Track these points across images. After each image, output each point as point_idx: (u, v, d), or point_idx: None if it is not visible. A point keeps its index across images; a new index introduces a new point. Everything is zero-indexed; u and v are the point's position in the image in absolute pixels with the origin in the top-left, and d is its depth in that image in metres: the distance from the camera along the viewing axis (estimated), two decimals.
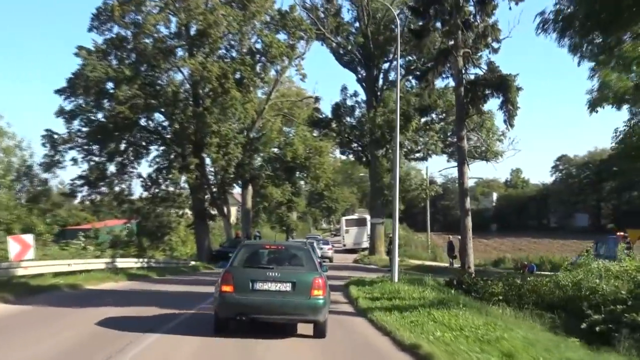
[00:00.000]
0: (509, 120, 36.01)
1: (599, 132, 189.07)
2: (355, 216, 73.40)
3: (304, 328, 14.35)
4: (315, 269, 14.07)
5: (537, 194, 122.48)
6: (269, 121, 64.19)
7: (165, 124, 47.27)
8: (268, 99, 59.22)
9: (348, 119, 54.95)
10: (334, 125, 55.43)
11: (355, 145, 55.38)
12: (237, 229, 63.20)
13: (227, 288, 13.23)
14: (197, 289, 26.10)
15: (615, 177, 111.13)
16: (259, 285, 13.19)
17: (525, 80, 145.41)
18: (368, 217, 70.05)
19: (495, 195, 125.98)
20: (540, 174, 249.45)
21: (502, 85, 35.51)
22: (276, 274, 13.41)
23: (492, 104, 54.80)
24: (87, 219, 64.93)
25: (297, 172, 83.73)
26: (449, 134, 54.45)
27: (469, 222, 36.82)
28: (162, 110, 45.68)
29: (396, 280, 26.44)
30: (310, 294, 13.29)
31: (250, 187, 60.41)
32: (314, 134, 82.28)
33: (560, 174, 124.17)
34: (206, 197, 49.10)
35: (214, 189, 49.16)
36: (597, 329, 17.43)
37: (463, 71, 36.44)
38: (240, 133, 47.38)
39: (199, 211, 48.03)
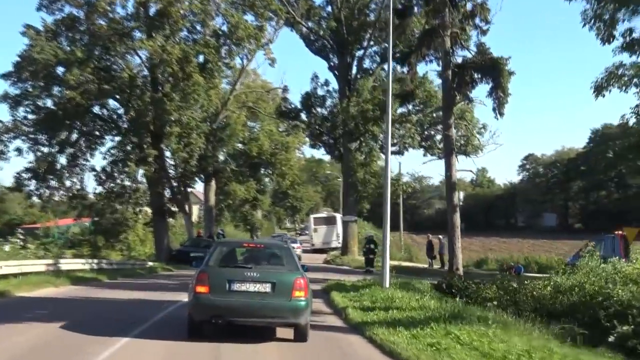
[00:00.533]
0: (499, 108, 32.48)
1: (567, 130, 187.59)
2: (324, 214, 69.27)
3: (284, 332, 13.31)
4: (297, 269, 13.26)
5: (505, 193, 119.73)
6: (234, 113, 59.89)
7: (121, 111, 42.62)
8: (233, 89, 55.06)
9: (319, 109, 50.67)
10: (303, 116, 51.12)
11: (327, 137, 51.05)
12: (199, 227, 58.86)
13: (202, 289, 12.33)
14: (151, 295, 22.02)
15: (583, 176, 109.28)
16: (236, 286, 12.37)
17: None
18: (338, 215, 66.08)
19: (462, 194, 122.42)
20: (505, 174, 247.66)
21: (493, 68, 31.95)
22: (255, 274, 12.59)
23: (480, 91, 51.21)
24: (43, 217, 60.59)
25: (262, 169, 79.67)
26: (426, 127, 50.72)
27: (457, 218, 33.16)
28: (117, 96, 41.13)
29: (387, 285, 22.46)
30: (292, 295, 12.49)
31: (213, 183, 56.13)
32: (281, 129, 78.50)
33: (527, 173, 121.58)
34: (166, 192, 44.66)
35: (174, 184, 44.63)
36: (630, 343, 14.52)
37: (450, 53, 32.80)
38: (204, 122, 42.87)
39: (158, 208, 43.57)
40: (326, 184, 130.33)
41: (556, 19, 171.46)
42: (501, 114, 32.71)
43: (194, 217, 74.49)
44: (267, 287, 12.43)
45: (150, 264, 40.92)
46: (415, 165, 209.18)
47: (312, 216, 65.50)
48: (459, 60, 33.44)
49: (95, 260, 34.75)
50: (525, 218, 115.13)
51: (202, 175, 46.45)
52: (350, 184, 49.02)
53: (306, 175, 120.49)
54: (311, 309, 13.33)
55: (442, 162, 34.34)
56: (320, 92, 51.09)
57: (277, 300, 12.39)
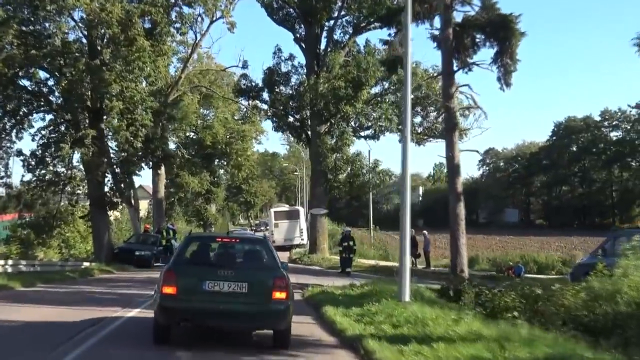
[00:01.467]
0: (505, 77, 26.69)
1: (528, 124, 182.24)
2: (286, 207, 62.21)
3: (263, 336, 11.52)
4: (277, 267, 11.48)
5: (466, 188, 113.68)
6: (185, 94, 52.84)
7: (53, 83, 35.16)
8: (185, 67, 48.01)
9: (283, 88, 43.61)
10: (265, 95, 44.09)
11: (292, 119, 44.12)
12: (148, 222, 51.68)
13: (168, 289, 10.67)
14: (67, 314, 15.07)
15: (545, 170, 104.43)
16: (208, 286, 10.70)
17: None
18: (301, 208, 59.38)
19: (421, 190, 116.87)
20: (465, 168, 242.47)
21: (500, 28, 25.75)
22: (229, 272, 10.90)
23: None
24: None
25: (217, 160, 72.91)
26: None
27: (461, 209, 26.86)
28: (47, 65, 33.68)
29: (407, 298, 15.96)
30: (271, 296, 10.80)
31: (163, 171, 49.03)
32: (237, 117, 71.81)
33: (487, 168, 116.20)
34: (107, 180, 37.43)
35: (117, 169, 37.24)
36: None
37: (451, 7, 26.58)
38: (151, 97, 35.62)
39: (97, 198, 36.30)
40: (281, 178, 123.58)
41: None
42: (508, 85, 26.77)
43: (143, 212, 67.14)
44: (243, 287, 10.82)
45: (87, 264, 33.83)
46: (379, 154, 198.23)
47: (272, 210, 58.49)
48: (459, 19, 27.20)
49: (10, 262, 27.33)
50: (487, 214, 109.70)
51: (149, 161, 38.98)
52: (319, 171, 42.33)
53: (260, 170, 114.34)
54: (293, 312, 11.40)
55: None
56: (284, 68, 44.22)
57: (255, 302, 10.81)
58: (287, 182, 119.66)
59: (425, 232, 39.21)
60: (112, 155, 37.45)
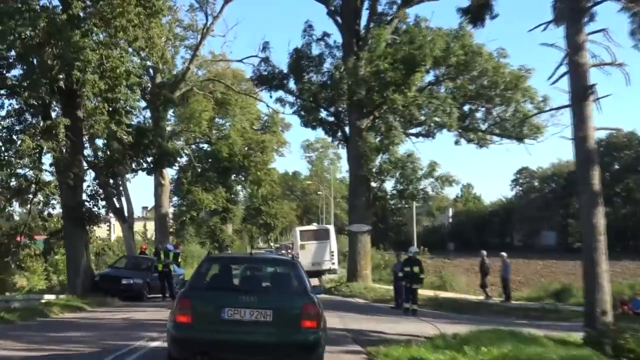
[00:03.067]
0: None
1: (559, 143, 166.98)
2: (314, 226, 51.88)
3: None
4: (306, 292, 9.68)
5: (500, 209, 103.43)
6: (195, 95, 43.36)
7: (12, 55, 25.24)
8: (194, 55, 38.49)
9: (314, 75, 33.53)
10: (291, 84, 33.96)
11: (326, 113, 33.90)
12: (148, 242, 41.94)
13: (183, 318, 9.18)
14: None
15: None
16: (228, 314, 9.17)
17: None
18: (331, 227, 49.12)
19: (451, 211, 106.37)
20: (492, 190, 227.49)
21: None
22: (252, 298, 9.31)
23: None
24: None
25: (234, 175, 63.17)
26: (467, 105, 33.89)
27: (600, 217, 16.61)
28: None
29: None
30: (300, 325, 9.15)
31: (167, 181, 39.34)
32: (256, 128, 62.11)
33: (520, 188, 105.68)
34: (87, 186, 27.65)
35: (103, 171, 27.31)
36: None
37: None
38: (140, 71, 25.57)
39: (72, 209, 26.32)
40: (303, 199, 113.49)
41: None
42: None
43: (151, 232, 57.33)
44: (267, 316, 9.13)
45: (50, 298, 23.85)
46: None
47: (297, 229, 48.17)
48: None
49: None
50: (521, 237, 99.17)
51: (141, 161, 28.67)
52: (360, 178, 32.24)
53: (281, 190, 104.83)
54: (326, 344, 9.52)
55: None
56: (315, 49, 34.19)
57: (281, 333, 9.07)
58: (309, 202, 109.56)
59: (504, 254, 29.02)
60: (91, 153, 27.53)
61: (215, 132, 59.22)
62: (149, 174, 30.11)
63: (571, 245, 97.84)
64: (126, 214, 33.83)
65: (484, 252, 29.49)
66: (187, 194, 57.44)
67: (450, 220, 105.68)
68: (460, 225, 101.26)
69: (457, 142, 35.06)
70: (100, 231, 41.68)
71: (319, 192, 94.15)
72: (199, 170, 59.63)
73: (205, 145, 60.40)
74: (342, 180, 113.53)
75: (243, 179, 62.52)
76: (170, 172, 67.82)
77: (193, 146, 60.52)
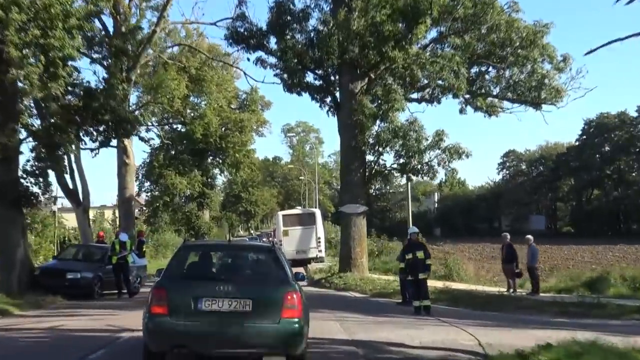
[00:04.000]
0: None
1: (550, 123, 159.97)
2: (298, 210, 46.38)
3: None
4: (287, 279, 9.08)
5: (487, 193, 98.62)
6: (163, 63, 38.01)
7: None
8: (161, 17, 33.00)
9: (298, 34, 28.10)
10: (273, 44, 28.51)
11: (313, 76, 28.24)
12: (106, 229, 36.58)
13: (158, 309, 8.56)
14: None
15: (574, 173, 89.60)
16: (204, 305, 8.52)
17: None
18: (317, 210, 43.90)
19: (437, 196, 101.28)
20: (476, 176, 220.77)
21: None
22: (230, 287, 8.62)
23: None
24: None
25: (211, 157, 57.79)
26: (475, 66, 28.63)
27: None
28: None
29: None
30: (281, 315, 8.55)
31: (132, 160, 34.00)
32: (234, 106, 56.66)
33: (507, 172, 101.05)
34: (25, 160, 22.23)
35: (41, 140, 21.84)
36: None
37: None
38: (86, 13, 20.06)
39: (4, 188, 20.86)
40: (284, 185, 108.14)
41: None
42: None
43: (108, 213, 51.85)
44: (246, 305, 8.51)
45: None
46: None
47: (280, 213, 42.77)
48: None
49: None
50: (510, 221, 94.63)
51: (92, 130, 22.96)
52: (352, 149, 26.88)
53: (261, 176, 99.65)
54: (308, 333, 9.01)
55: None
56: (299, 3, 28.86)
57: (261, 323, 8.48)
58: (290, 188, 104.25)
59: (530, 237, 23.85)
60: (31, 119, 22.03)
61: (189, 112, 53.79)
62: (102, 145, 24.53)
63: (560, 230, 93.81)
64: (81, 196, 28.45)
65: (508, 236, 24.38)
66: (160, 179, 52.03)
67: (436, 205, 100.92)
68: (446, 210, 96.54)
69: (462, 111, 29.86)
70: (73, 220, 36.57)
71: (300, 177, 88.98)
72: (172, 152, 54.24)
73: (179, 126, 54.95)
74: (324, 165, 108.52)
75: (220, 161, 57.07)
76: (141, 155, 62.39)
77: (167, 127, 55.21)
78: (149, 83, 34.73)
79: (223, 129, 53.99)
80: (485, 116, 29.89)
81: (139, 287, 23.73)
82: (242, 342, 8.43)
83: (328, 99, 28.19)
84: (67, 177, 27.38)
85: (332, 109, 28.23)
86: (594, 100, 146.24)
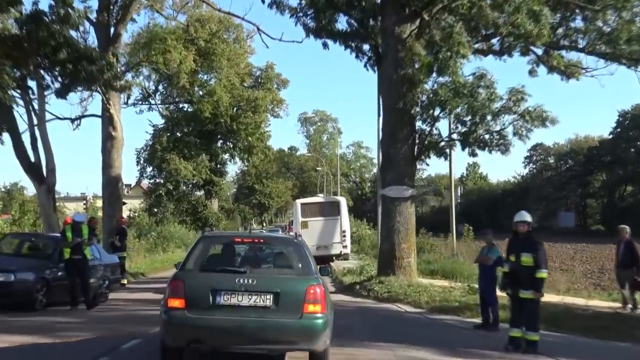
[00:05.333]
0: None
1: (581, 116, 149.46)
2: (319, 198, 38.91)
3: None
4: (310, 273, 8.45)
5: (514, 187, 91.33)
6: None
7: None
8: None
9: None
10: None
11: (346, 20, 21.10)
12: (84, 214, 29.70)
13: (175, 302, 7.89)
14: None
15: (607, 168, 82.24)
16: (224, 299, 7.87)
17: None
18: (341, 199, 36.60)
19: (460, 190, 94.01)
20: (499, 170, 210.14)
21: None
22: (250, 280, 7.96)
23: None
24: None
25: (221, 141, 50.84)
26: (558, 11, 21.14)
27: None
28: None
29: None
30: (303, 309, 7.89)
31: (119, 130, 27.10)
32: (246, 84, 49.68)
33: (535, 166, 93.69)
34: None
35: None
36: None
37: None
38: None
39: None
40: (300, 177, 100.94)
41: None
42: None
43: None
44: (267, 300, 7.86)
45: None
46: None
47: (298, 202, 35.22)
48: None
49: None
50: (537, 218, 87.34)
51: (41, 72, 15.92)
52: (398, 112, 19.61)
53: (276, 167, 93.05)
54: (332, 329, 8.22)
55: None
56: None
57: (283, 318, 7.80)
58: (306, 180, 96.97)
59: None
60: None
61: (197, 90, 46.90)
62: (60, 95, 17.46)
63: (589, 228, 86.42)
64: (45, 171, 21.57)
65: (627, 230, 17.09)
66: (162, 163, 45.11)
67: (460, 200, 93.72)
68: (470, 205, 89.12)
69: (532, 72, 22.66)
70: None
71: (318, 168, 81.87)
72: (178, 134, 47.39)
73: (186, 105, 48.06)
74: (342, 156, 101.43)
75: (231, 146, 49.97)
76: (144, 137, 55.12)
77: (172, 107, 48.32)
78: (137, 41, 27.79)
79: (234, 109, 46.99)
80: (562, 79, 22.57)
81: (107, 294, 16.78)
82: (262, 338, 7.79)
83: (366, 47, 20.92)
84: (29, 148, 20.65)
85: (371, 61, 20.98)
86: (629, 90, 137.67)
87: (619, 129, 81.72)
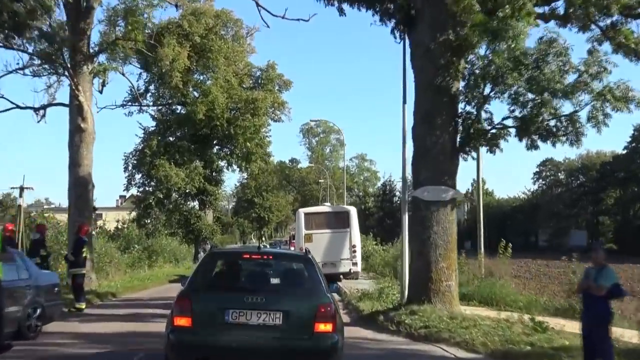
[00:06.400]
0: None
1: (590, 134, 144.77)
2: (326, 207, 33.79)
3: None
4: (321, 291, 8.19)
5: (524, 204, 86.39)
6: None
7: None
8: None
9: None
10: None
11: None
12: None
13: (182, 321, 7.71)
14: None
15: (621, 184, 77.56)
16: (232, 317, 7.73)
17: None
18: (351, 208, 31.51)
19: (467, 206, 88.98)
20: (506, 186, 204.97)
21: None
22: (259, 299, 7.84)
23: None
24: None
25: (217, 146, 46.14)
26: None
27: None
28: None
29: None
30: (314, 329, 7.70)
31: (89, 124, 22.48)
32: (245, 86, 45.00)
33: (544, 182, 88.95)
34: None
35: None
36: None
37: None
38: None
39: None
40: (301, 190, 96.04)
41: None
42: None
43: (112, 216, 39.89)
44: (277, 318, 7.70)
45: None
46: None
47: (302, 211, 29.93)
48: None
49: None
50: (548, 236, 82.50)
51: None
52: (437, 93, 14.82)
53: (277, 180, 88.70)
54: (343, 349, 7.94)
55: None
56: None
57: (293, 337, 7.66)
58: (308, 194, 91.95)
59: None
60: None
61: (191, 91, 42.28)
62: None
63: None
64: None
65: None
66: (151, 169, 40.34)
67: (466, 216, 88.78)
68: (473, 222, 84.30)
69: (591, 52, 17.93)
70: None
71: (320, 181, 77.02)
72: (170, 138, 42.76)
73: (179, 107, 43.41)
74: (346, 169, 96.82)
75: (228, 152, 45.05)
76: (134, 140, 50.21)
77: (164, 108, 43.65)
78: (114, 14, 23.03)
79: (232, 111, 42.26)
80: (631, 60, 17.80)
81: (38, 327, 11.94)
82: (271, 357, 7.67)
83: (392, 7, 15.97)
84: None
85: (400, 26, 16.04)
86: None
87: (633, 144, 77.12)
